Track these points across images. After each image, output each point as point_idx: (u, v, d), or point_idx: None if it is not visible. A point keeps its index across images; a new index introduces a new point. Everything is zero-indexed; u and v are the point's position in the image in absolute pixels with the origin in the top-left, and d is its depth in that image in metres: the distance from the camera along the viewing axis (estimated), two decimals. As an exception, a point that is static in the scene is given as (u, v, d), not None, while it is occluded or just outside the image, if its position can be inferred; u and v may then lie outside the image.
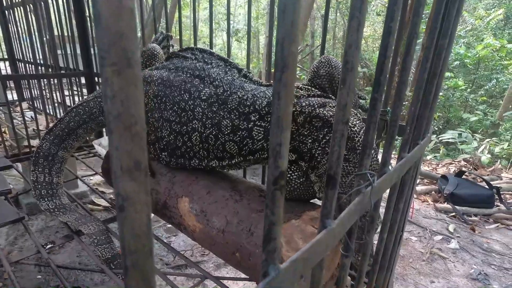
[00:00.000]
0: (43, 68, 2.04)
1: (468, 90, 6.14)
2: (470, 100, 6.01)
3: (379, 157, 0.53)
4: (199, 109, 0.74)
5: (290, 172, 0.69)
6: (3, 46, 2.59)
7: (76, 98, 1.89)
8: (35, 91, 2.34)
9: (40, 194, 0.94)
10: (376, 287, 0.64)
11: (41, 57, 2.01)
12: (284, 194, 0.20)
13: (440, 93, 5.75)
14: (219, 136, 0.72)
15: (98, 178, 2.19)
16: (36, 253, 0.87)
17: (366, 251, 0.44)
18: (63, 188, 1.00)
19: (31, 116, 2.13)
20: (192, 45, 0.95)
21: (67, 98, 1.86)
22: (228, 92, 0.72)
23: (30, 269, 1.40)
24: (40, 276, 1.36)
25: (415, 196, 2.51)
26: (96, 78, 1.81)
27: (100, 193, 1.28)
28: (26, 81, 2.29)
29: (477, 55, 5.77)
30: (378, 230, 0.54)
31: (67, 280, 1.33)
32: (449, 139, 4.23)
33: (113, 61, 0.09)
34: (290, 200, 0.73)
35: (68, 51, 1.82)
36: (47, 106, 1.97)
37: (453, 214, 2.20)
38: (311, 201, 0.77)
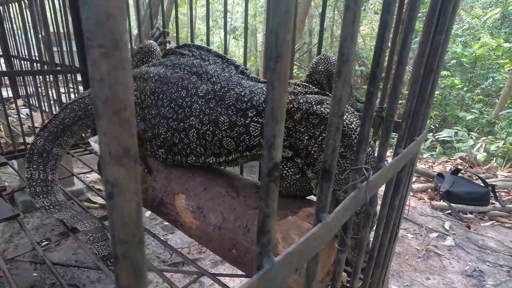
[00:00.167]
0: (38, 64, 2.02)
1: (465, 88, 6.17)
2: (466, 98, 6.05)
3: (376, 154, 0.53)
4: (197, 105, 0.74)
5: (286, 168, 0.69)
6: (-2, 43, 2.55)
7: (72, 96, 1.88)
8: (31, 88, 2.32)
9: (35, 191, 0.94)
10: (372, 283, 0.64)
11: (36, 54, 1.99)
12: (278, 186, 0.19)
13: (437, 92, 5.77)
14: (216, 132, 0.72)
15: (94, 176, 2.18)
16: (31, 250, 0.87)
17: (361, 247, 0.44)
18: (58, 185, 0.99)
19: (26, 113, 2.12)
20: (189, 43, 0.95)
21: (63, 96, 1.84)
22: (226, 89, 0.72)
23: (26, 267, 1.39)
24: (36, 274, 1.36)
25: (411, 193, 2.53)
26: (92, 75, 1.80)
27: (97, 191, 1.27)
28: (21, 77, 2.27)
29: (474, 54, 5.80)
30: (375, 227, 0.54)
31: (63, 277, 1.32)
32: (445, 137, 4.26)
33: (100, 43, 0.09)
34: (286, 197, 0.73)
35: (64, 48, 1.80)
36: (42, 103, 1.96)
37: (449, 211, 2.22)
38: (308, 197, 0.77)
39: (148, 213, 1.94)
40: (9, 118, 1.53)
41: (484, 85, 6.15)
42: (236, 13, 11.56)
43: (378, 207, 0.50)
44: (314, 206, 0.71)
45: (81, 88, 1.88)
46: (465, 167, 3.02)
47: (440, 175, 2.56)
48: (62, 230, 0.95)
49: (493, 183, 2.42)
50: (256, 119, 0.68)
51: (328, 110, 0.64)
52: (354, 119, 0.64)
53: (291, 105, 0.66)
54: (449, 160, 3.35)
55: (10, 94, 2.48)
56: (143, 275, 0.12)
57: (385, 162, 0.40)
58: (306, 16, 5.40)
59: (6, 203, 0.97)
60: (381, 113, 0.80)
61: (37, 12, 1.70)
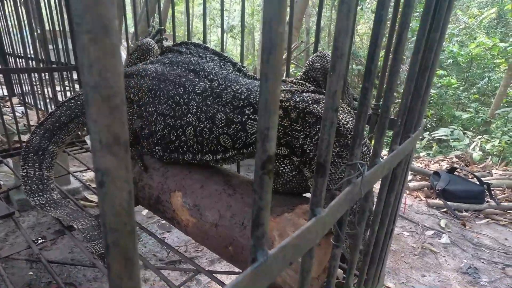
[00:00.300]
0: (33, 62, 2.01)
1: (461, 88, 6.22)
2: (462, 98, 6.09)
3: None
4: (194, 103, 0.74)
5: (283, 165, 0.69)
6: (-7, 40, 2.53)
7: (68, 94, 1.87)
8: (26, 86, 2.30)
9: (31, 189, 0.93)
10: (367, 280, 0.65)
11: (31, 52, 1.97)
12: (272, 180, 0.20)
13: (433, 91, 5.80)
14: (213, 130, 0.72)
15: (91, 174, 2.17)
16: (27, 248, 0.86)
17: (357, 243, 0.44)
18: (54, 183, 0.99)
19: (22, 112, 2.10)
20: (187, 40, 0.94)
21: (59, 94, 1.83)
22: (223, 86, 0.72)
23: (22, 266, 1.38)
24: (31, 273, 1.35)
25: (407, 192, 2.54)
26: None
27: (93, 189, 1.27)
28: (16, 75, 2.25)
29: (470, 54, 5.84)
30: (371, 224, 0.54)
31: (59, 276, 1.32)
32: (441, 136, 4.29)
33: (88, 28, 0.09)
34: (283, 194, 0.73)
35: (60, 46, 1.79)
36: (38, 102, 1.94)
37: (445, 209, 2.24)
38: (304, 195, 0.77)
39: (145, 212, 1.93)
40: (4, 116, 1.51)
41: (480, 85, 6.19)
42: (233, 12, 11.54)
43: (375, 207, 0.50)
44: (310, 203, 0.71)
45: (77, 86, 1.86)
46: (461, 165, 3.04)
47: (436, 173, 2.58)
48: (58, 228, 0.94)
49: (489, 182, 2.44)
50: (253, 117, 0.69)
51: (324, 108, 0.64)
52: (350, 119, 0.64)
53: (288, 104, 0.66)
54: (445, 159, 3.38)
55: (5, 92, 2.46)
56: (134, 264, 0.12)
57: (380, 159, 0.40)
58: (303, 14, 5.40)
59: (1, 201, 0.96)
60: (377, 111, 0.81)
61: (32, 9, 1.69)
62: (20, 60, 2.29)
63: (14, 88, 2.48)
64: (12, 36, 2.27)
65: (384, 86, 0.37)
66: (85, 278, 1.35)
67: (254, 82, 0.73)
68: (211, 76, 0.75)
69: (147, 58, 1.00)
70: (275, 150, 0.19)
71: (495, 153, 3.78)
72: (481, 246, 1.82)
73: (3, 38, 2.40)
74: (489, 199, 2.32)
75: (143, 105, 0.85)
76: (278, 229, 0.65)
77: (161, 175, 0.87)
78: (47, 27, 1.71)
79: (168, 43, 1.15)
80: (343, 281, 0.78)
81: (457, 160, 3.28)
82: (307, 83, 0.72)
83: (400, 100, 0.46)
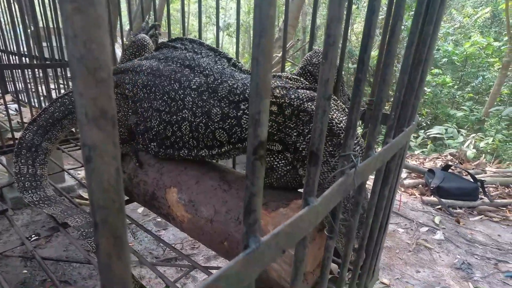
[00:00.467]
0: (27, 59, 1.98)
1: (456, 87, 6.27)
2: (457, 96, 6.14)
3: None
4: (189, 98, 0.74)
5: (277, 160, 0.69)
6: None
7: (62, 91, 1.85)
8: (20, 83, 2.27)
9: (24, 186, 0.92)
10: (362, 274, 0.65)
11: (25, 49, 1.95)
12: (264, 165, 0.20)
13: (428, 90, 5.83)
14: (209, 124, 0.72)
15: (86, 173, 2.15)
16: (20, 245, 0.85)
17: (350, 235, 0.44)
18: (48, 180, 0.98)
19: (15, 109, 2.07)
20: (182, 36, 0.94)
21: (53, 92, 1.81)
22: (219, 81, 0.72)
23: (16, 264, 1.37)
24: (26, 271, 1.34)
25: (402, 189, 2.56)
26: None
27: (88, 186, 1.26)
28: (9, 72, 2.22)
29: (465, 53, 5.89)
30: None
31: (54, 274, 1.31)
32: (436, 134, 4.32)
33: (73, -3, 0.09)
34: (278, 189, 0.73)
35: (54, 44, 1.77)
36: (32, 99, 1.92)
37: (439, 206, 2.26)
38: (300, 190, 0.77)
39: (140, 210, 1.92)
40: (-3, 113, 1.50)
41: (474, 83, 6.25)
42: (229, 10, 11.51)
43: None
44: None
45: (71, 83, 1.84)
46: (455, 163, 3.07)
47: (431, 171, 2.60)
48: (53, 225, 0.93)
49: (482, 179, 2.47)
50: (248, 112, 0.69)
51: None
52: (344, 118, 0.64)
53: (283, 100, 0.66)
54: (439, 157, 3.41)
55: (-2, 90, 2.42)
56: (124, 242, 0.12)
57: (374, 151, 0.41)
58: (300, 13, 5.40)
59: (-6, 198, 0.95)
60: (372, 107, 0.81)
61: (25, 6, 1.67)
62: (14, 57, 2.27)
63: (8, 85, 2.45)
64: (5, 33, 2.24)
65: (378, 79, 0.37)
66: (80, 276, 1.34)
67: (249, 77, 0.73)
68: (207, 72, 0.75)
69: (142, 54, 0.99)
70: (266, 135, 0.19)
71: (488, 151, 3.83)
72: (474, 242, 1.84)
73: (-4, 34, 2.37)
74: (482, 196, 2.35)
75: (138, 101, 0.85)
76: (273, 224, 0.65)
77: (156, 171, 0.87)
78: (40, 24, 1.70)
79: (163, 40, 1.15)
80: (338, 276, 0.79)
81: (451, 158, 3.31)
82: (302, 79, 0.72)
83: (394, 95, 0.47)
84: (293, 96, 0.66)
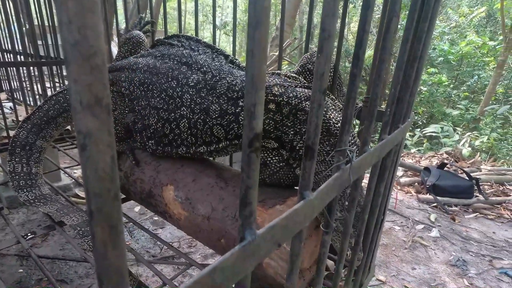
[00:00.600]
0: (22, 57, 1.97)
1: (451, 86, 6.31)
2: (453, 95, 6.18)
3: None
4: (187, 95, 0.74)
5: (271, 156, 0.69)
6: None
7: (58, 89, 1.83)
8: (15, 82, 2.25)
9: (19, 185, 0.91)
10: (357, 270, 0.65)
11: (20, 47, 1.93)
12: (259, 157, 0.20)
13: (424, 89, 5.85)
14: (207, 120, 0.72)
15: (82, 171, 2.14)
16: (16, 243, 0.85)
17: (346, 230, 0.45)
18: (43, 178, 0.97)
19: (10, 107, 2.06)
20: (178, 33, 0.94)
21: (48, 90, 1.80)
22: (217, 78, 0.72)
23: (12, 263, 1.36)
24: (22, 270, 1.33)
25: (399, 187, 2.58)
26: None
27: (84, 185, 1.25)
28: (4, 70, 2.20)
29: (460, 52, 5.93)
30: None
31: (50, 272, 1.30)
32: (432, 133, 4.35)
33: (67, -18, 0.09)
34: (274, 186, 0.73)
35: (49, 42, 1.75)
36: (27, 97, 1.90)
37: (435, 204, 2.28)
38: (297, 188, 0.77)
39: (137, 208, 1.92)
40: (-8, 111, 1.48)
41: (470, 82, 6.29)
42: (227, 8, 11.47)
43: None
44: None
45: (67, 81, 1.83)
46: (451, 161, 3.10)
47: (427, 169, 2.62)
48: (49, 224, 0.93)
49: (477, 177, 2.49)
50: None
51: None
52: (341, 118, 0.64)
53: (281, 99, 0.66)
54: (435, 155, 3.43)
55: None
56: (119, 231, 0.12)
57: (369, 147, 0.41)
58: (297, 11, 5.39)
59: (-11, 197, 0.95)
60: (368, 104, 0.81)
61: (20, 3, 1.65)
62: (8, 54, 2.24)
63: (2, 83, 2.42)
64: (0, 31, 2.22)
65: (373, 75, 0.38)
66: (77, 275, 1.34)
67: None
68: (204, 69, 0.75)
69: (137, 51, 0.98)
70: (261, 128, 0.19)
71: (484, 149, 3.86)
72: (469, 240, 1.86)
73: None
74: (477, 194, 2.37)
75: (135, 99, 0.84)
76: (270, 221, 0.65)
77: (153, 169, 0.87)
78: (35, 22, 1.68)
79: (159, 37, 1.14)
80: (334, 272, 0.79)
81: (447, 156, 3.34)
82: (300, 78, 0.72)
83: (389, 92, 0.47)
84: (291, 95, 0.66)
